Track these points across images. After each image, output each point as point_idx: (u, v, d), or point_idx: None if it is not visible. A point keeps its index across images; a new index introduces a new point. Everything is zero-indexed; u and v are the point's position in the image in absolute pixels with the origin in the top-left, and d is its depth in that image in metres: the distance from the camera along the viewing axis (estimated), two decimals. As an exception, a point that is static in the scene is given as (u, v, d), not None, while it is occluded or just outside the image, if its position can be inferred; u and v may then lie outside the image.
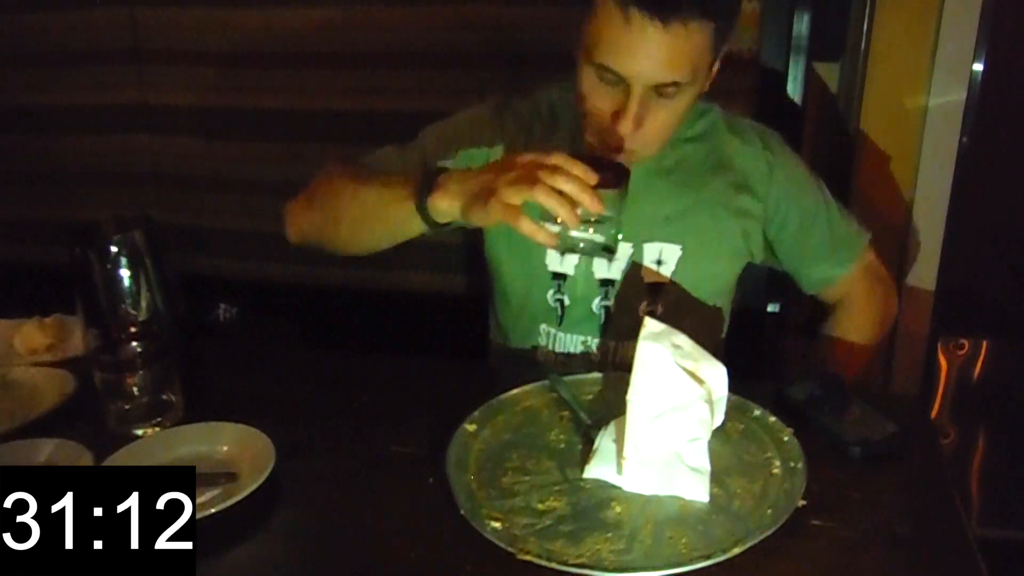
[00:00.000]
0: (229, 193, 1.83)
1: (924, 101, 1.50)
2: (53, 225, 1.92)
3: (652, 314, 1.16)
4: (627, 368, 1.18)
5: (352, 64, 1.66)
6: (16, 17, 1.84)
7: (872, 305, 1.29)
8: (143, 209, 1.88)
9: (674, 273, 1.16)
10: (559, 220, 0.86)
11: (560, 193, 0.84)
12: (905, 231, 1.57)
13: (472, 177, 0.94)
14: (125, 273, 0.95)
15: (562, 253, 0.93)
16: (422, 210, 0.96)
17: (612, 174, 0.89)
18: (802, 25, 1.44)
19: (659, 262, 1.16)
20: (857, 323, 1.29)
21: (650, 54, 0.96)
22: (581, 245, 0.90)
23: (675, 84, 0.98)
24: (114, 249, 0.94)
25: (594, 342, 1.20)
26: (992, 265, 1.81)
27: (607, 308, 1.18)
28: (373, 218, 1.06)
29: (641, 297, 1.17)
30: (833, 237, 1.22)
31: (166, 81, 1.80)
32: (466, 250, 1.68)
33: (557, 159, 0.86)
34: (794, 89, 1.47)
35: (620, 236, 0.92)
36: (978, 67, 1.47)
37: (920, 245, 1.57)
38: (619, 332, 1.18)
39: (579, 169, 0.85)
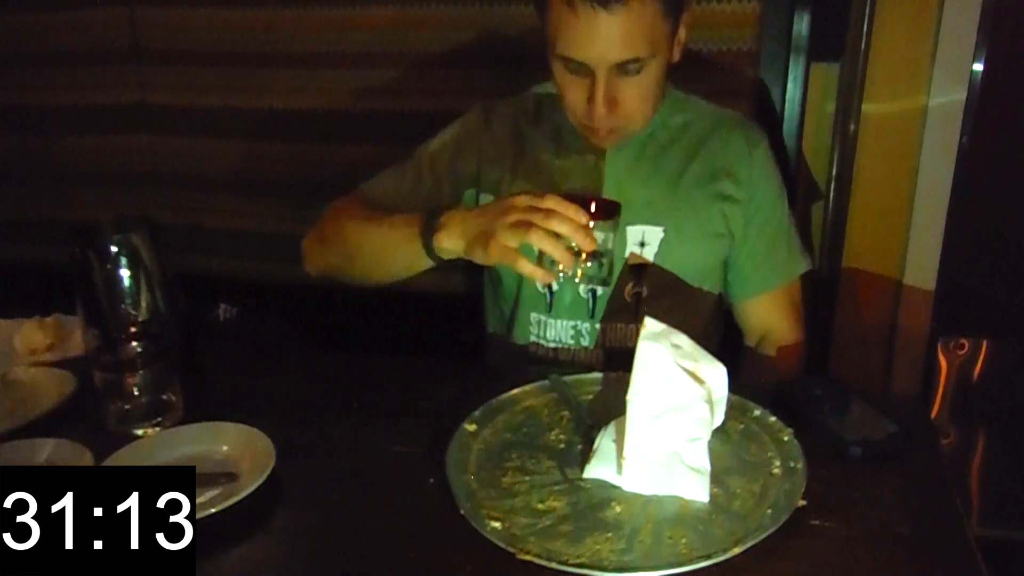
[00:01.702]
0: (229, 193, 1.83)
1: (924, 101, 1.50)
2: (53, 225, 1.92)
3: (638, 296, 1.20)
4: (616, 351, 1.20)
5: (352, 64, 1.66)
6: (16, 17, 1.84)
7: (794, 335, 1.27)
8: (143, 209, 1.88)
9: (657, 255, 1.19)
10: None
11: (555, 233, 0.90)
12: (905, 231, 1.57)
13: (472, 218, 1.00)
14: (125, 273, 0.94)
15: (560, 285, 1.01)
16: (428, 249, 1.03)
17: (604, 210, 0.95)
18: (802, 25, 1.44)
19: (642, 244, 1.19)
20: (776, 347, 1.26)
21: (602, 38, 1.01)
22: (577, 281, 0.96)
23: (636, 60, 1.03)
24: (114, 249, 0.94)
25: (584, 326, 1.22)
26: (992, 265, 1.81)
27: (594, 291, 1.20)
28: (385, 258, 1.14)
29: (626, 279, 1.20)
30: (777, 247, 1.24)
31: (166, 81, 1.80)
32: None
33: (550, 202, 0.91)
34: (794, 89, 1.47)
35: (612, 266, 0.98)
36: (978, 67, 1.47)
37: (920, 245, 1.57)
38: (607, 315, 1.21)
39: (571, 210, 0.91)
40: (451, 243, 1.01)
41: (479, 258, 0.98)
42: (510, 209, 0.94)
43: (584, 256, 0.94)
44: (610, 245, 0.96)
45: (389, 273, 1.18)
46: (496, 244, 0.93)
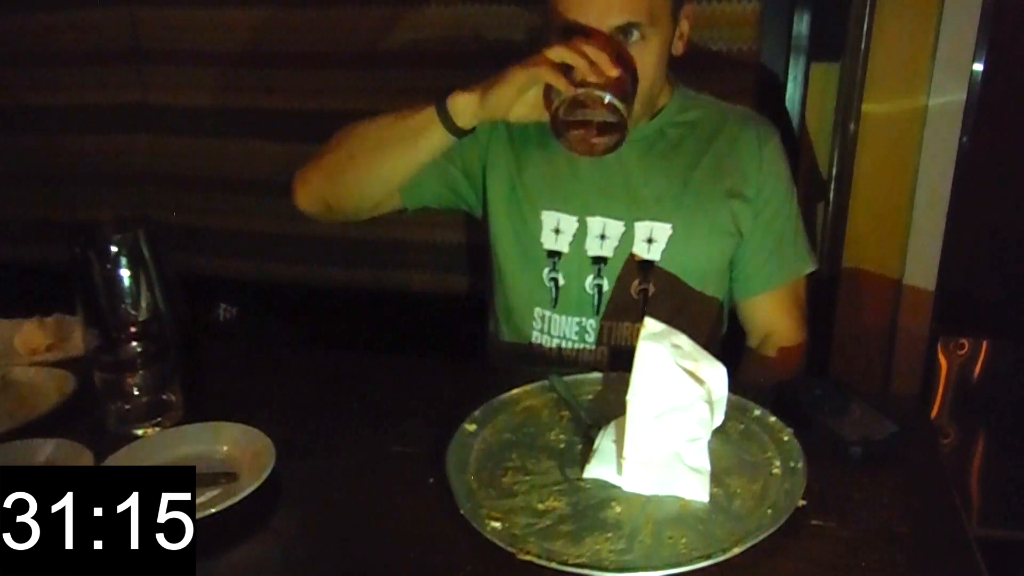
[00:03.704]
0: (229, 193, 1.83)
1: (924, 101, 1.50)
2: (53, 225, 1.92)
3: (644, 293, 1.20)
4: (620, 350, 1.19)
5: (352, 64, 1.66)
6: (16, 17, 1.84)
7: (796, 335, 1.26)
8: (143, 209, 1.88)
9: (664, 252, 1.19)
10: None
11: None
12: (905, 231, 1.57)
13: (489, 74, 1.04)
14: (125, 273, 0.95)
15: (582, 107, 1.00)
16: (442, 114, 1.05)
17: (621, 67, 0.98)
18: (802, 25, 1.44)
19: (650, 240, 1.19)
20: (778, 347, 1.25)
21: None
22: (598, 93, 0.96)
23: (635, 25, 1.04)
24: (114, 249, 0.94)
25: (588, 323, 1.22)
26: (992, 265, 1.81)
27: (600, 287, 1.20)
28: (391, 139, 1.12)
29: (633, 276, 1.20)
30: (783, 245, 1.23)
31: (166, 81, 1.80)
32: (466, 250, 1.68)
33: (572, 39, 0.97)
34: (794, 89, 1.47)
35: (627, 114, 0.98)
36: (978, 67, 1.47)
37: (920, 245, 1.57)
38: (612, 312, 1.21)
39: (600, 38, 0.97)
40: (466, 98, 1.04)
41: (499, 97, 1.01)
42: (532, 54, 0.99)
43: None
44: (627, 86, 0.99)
45: (391, 163, 1.14)
46: (521, 66, 0.97)
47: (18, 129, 1.93)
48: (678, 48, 1.14)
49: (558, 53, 0.96)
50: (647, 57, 1.07)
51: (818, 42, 1.46)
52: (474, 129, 1.09)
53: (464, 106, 1.04)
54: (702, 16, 1.43)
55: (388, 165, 1.15)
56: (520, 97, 1.02)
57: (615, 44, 1.02)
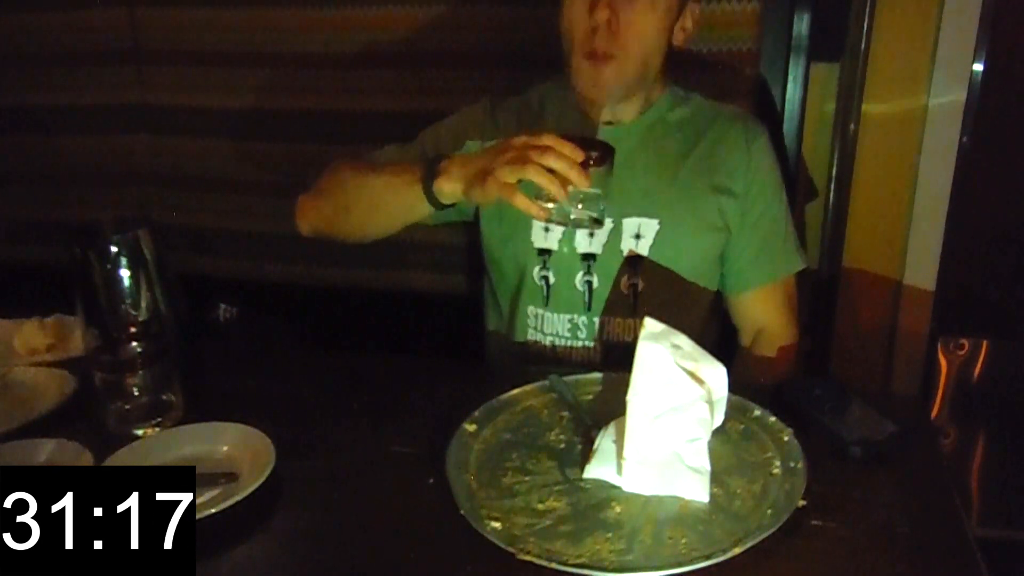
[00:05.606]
0: (229, 193, 1.83)
1: (924, 101, 1.50)
2: (53, 225, 1.92)
3: (634, 288, 1.21)
4: (614, 345, 1.21)
5: (352, 64, 1.66)
6: (16, 17, 1.84)
7: (787, 334, 1.26)
8: (143, 209, 1.88)
9: (652, 247, 1.20)
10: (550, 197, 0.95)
11: (551, 171, 0.93)
12: (905, 231, 1.57)
13: (471, 161, 1.04)
14: (125, 273, 0.95)
15: (558, 223, 1.03)
16: (428, 193, 1.06)
17: (599, 152, 0.96)
18: (802, 25, 1.44)
19: (638, 236, 1.20)
20: (769, 345, 1.26)
21: None
22: (572, 217, 0.97)
23: None
24: (114, 249, 0.94)
25: (580, 319, 1.23)
26: (992, 265, 1.81)
27: (590, 283, 1.21)
28: (381, 204, 1.15)
29: (622, 271, 1.21)
30: (772, 242, 1.24)
31: (166, 81, 1.80)
32: (466, 250, 1.68)
33: (548, 140, 0.95)
34: (794, 89, 1.47)
35: (605, 210, 0.99)
36: (978, 67, 1.47)
37: (920, 245, 1.57)
38: (604, 309, 1.22)
39: (568, 148, 0.94)
40: (451, 186, 1.04)
41: (477, 197, 1.01)
42: (508, 148, 0.97)
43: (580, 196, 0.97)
44: (604, 187, 0.98)
45: (381, 222, 1.19)
46: (494, 180, 0.96)
47: (18, 129, 1.93)
48: (679, 38, 1.15)
49: (533, 174, 0.94)
50: (649, 18, 1.10)
51: (818, 42, 1.46)
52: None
53: (448, 193, 1.06)
54: (702, 16, 1.43)
55: (382, 224, 1.20)
56: None
57: (590, 140, 1.01)
